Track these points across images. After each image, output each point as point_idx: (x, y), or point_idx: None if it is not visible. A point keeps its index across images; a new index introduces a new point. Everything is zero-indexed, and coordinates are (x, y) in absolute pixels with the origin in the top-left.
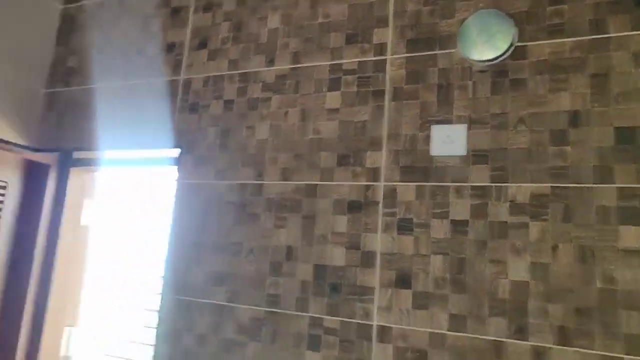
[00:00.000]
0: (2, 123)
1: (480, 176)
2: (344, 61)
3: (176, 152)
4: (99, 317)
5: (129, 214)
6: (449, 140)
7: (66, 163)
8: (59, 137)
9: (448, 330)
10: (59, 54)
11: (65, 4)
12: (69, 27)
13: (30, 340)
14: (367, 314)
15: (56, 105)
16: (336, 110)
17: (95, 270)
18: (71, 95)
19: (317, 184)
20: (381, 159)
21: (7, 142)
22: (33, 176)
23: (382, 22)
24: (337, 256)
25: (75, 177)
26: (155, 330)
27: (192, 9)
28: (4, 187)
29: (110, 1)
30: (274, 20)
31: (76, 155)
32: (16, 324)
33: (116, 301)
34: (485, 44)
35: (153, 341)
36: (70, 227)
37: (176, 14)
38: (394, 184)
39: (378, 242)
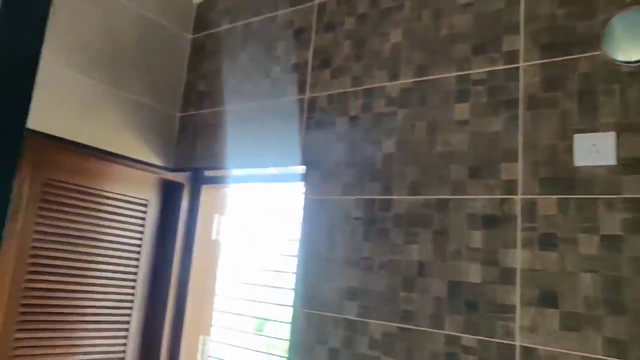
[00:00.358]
0: (144, 146)
1: (634, 187)
2: (472, 72)
3: (303, 168)
4: (230, 327)
5: (257, 228)
6: (594, 150)
7: (198, 181)
8: (192, 157)
9: (605, 356)
10: (190, 79)
11: (194, 33)
12: (199, 54)
13: (171, 348)
14: (508, 334)
15: (189, 128)
16: (466, 122)
17: (226, 283)
18: (202, 118)
19: (448, 198)
20: (517, 171)
21: (149, 164)
22: (169, 194)
23: (512, 29)
24: (473, 272)
25: (206, 194)
26: (287, 342)
27: (314, 30)
28: (145, 205)
29: (236, 27)
30: (396, 35)
31: (207, 173)
32: (159, 331)
33: (246, 312)
34: (636, 43)
35: (283, 353)
36: (202, 242)
37: (299, 36)
38: (533, 197)
39: (518, 258)
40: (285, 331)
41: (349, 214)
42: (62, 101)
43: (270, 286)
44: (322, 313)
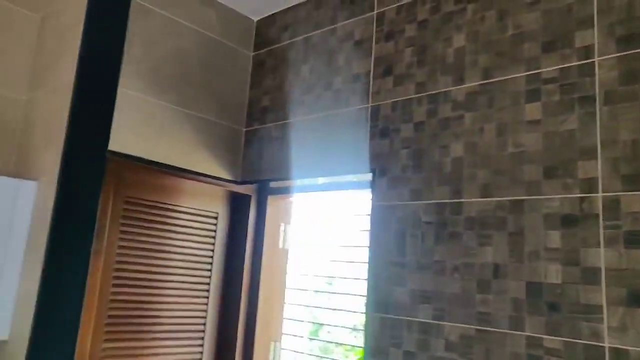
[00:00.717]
0: (213, 161)
1: None
2: (543, 70)
3: (369, 176)
4: (299, 333)
5: (323, 236)
6: None
7: (264, 192)
8: (258, 170)
9: None
10: (253, 95)
11: (255, 50)
12: (260, 70)
13: (244, 354)
14: (595, 335)
15: (254, 141)
16: (537, 121)
17: (295, 290)
18: (267, 132)
19: (523, 199)
20: (596, 168)
21: (218, 178)
22: (237, 206)
23: (585, 24)
24: (552, 273)
25: (272, 204)
26: (363, 347)
27: (374, 40)
28: (216, 218)
29: (297, 42)
30: (459, 40)
31: (273, 184)
32: (232, 338)
33: (316, 319)
34: None
35: (356, 357)
36: (270, 251)
37: (359, 46)
38: (616, 194)
39: (601, 257)
40: (347, 336)
41: (419, 218)
42: (138, 123)
43: (336, 293)
44: (395, 317)
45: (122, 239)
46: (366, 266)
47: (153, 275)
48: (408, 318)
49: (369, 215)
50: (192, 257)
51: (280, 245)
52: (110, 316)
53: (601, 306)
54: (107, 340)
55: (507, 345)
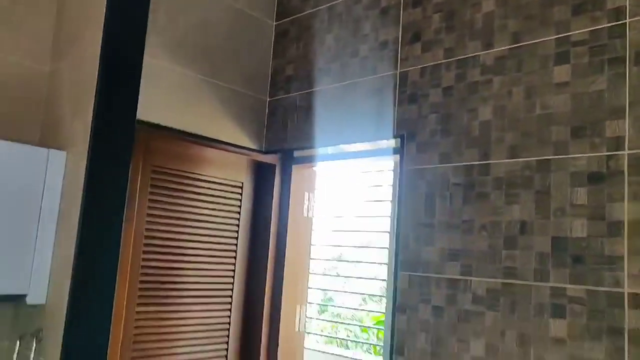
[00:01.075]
0: (238, 131)
1: None
2: (573, 32)
3: (396, 141)
4: (324, 297)
5: (348, 203)
6: None
7: (289, 161)
8: (282, 139)
9: None
10: (276, 65)
11: (277, 20)
12: (284, 40)
13: (271, 317)
14: (616, 282)
15: (278, 111)
16: (566, 83)
17: (319, 256)
18: (291, 101)
19: (550, 159)
20: (624, 127)
21: (243, 147)
22: (262, 176)
23: None
24: (578, 227)
25: (296, 173)
26: (391, 304)
27: (401, 6)
28: (241, 187)
29: (320, 11)
30: (488, 4)
31: (297, 154)
32: (259, 303)
33: (339, 283)
34: None
35: (379, 318)
36: (294, 219)
37: (385, 14)
38: None
39: (625, 211)
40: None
41: (448, 180)
42: (164, 92)
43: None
44: (424, 275)
45: (150, 207)
46: (388, 233)
47: (181, 243)
48: (436, 275)
49: (391, 184)
50: (218, 226)
51: (305, 214)
52: (142, 282)
53: (622, 256)
54: (140, 304)
55: (532, 296)
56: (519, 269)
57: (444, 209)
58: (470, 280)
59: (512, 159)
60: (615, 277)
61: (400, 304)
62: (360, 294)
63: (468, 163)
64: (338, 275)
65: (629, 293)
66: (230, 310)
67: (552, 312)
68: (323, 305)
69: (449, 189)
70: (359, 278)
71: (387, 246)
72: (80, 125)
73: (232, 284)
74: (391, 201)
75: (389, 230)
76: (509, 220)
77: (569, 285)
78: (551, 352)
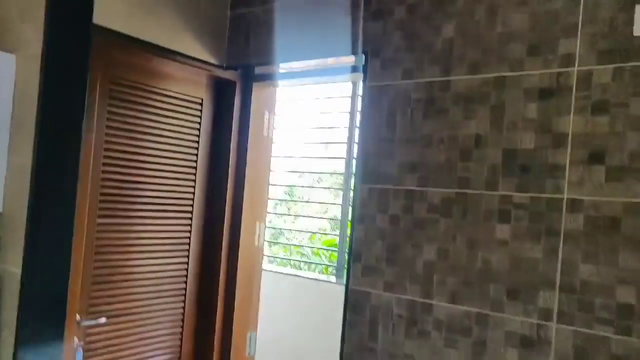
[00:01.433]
0: (198, 44)
1: None
2: None
3: (360, 59)
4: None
5: (307, 123)
6: None
7: (249, 79)
8: (243, 55)
9: None
10: None
11: None
12: None
13: (231, 232)
14: (557, 189)
15: (240, 25)
16: (524, 2)
17: (278, 174)
18: (253, 15)
19: (505, 76)
20: (576, 45)
21: (202, 61)
22: (222, 93)
23: None
24: (527, 140)
25: (257, 92)
26: (350, 215)
27: None
28: (200, 104)
29: None
30: None
31: (258, 71)
32: (219, 218)
33: (299, 198)
34: None
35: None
36: (254, 138)
37: None
38: (590, 67)
39: (570, 124)
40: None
41: (409, 96)
42: None
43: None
44: (383, 186)
45: (110, 120)
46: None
47: (141, 157)
48: (395, 187)
49: (350, 97)
50: (178, 142)
51: (265, 134)
52: (102, 194)
53: (565, 165)
54: (101, 216)
55: (482, 204)
56: (472, 180)
57: (404, 124)
58: (427, 191)
59: (472, 75)
60: (556, 185)
61: (359, 214)
62: (313, 216)
63: (429, 79)
64: (293, 200)
65: (567, 198)
66: (190, 225)
67: (498, 218)
68: (277, 228)
69: (410, 104)
70: (313, 202)
71: (345, 166)
72: (30, 26)
73: (193, 199)
74: (349, 116)
75: (344, 155)
76: (466, 134)
77: (515, 193)
78: (496, 253)
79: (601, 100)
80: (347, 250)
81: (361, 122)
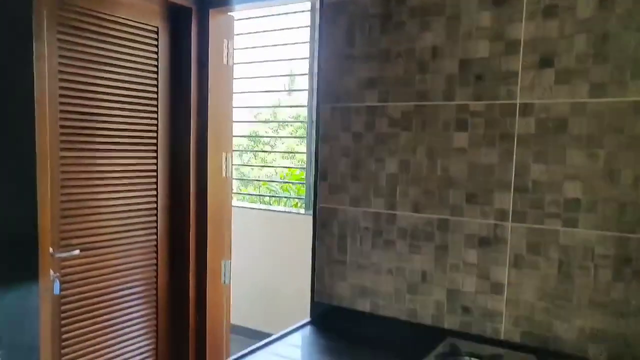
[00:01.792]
0: None
1: None
2: None
3: None
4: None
5: (266, 50)
6: None
7: (204, 5)
8: None
9: (589, 98)
10: None
11: None
12: None
13: (197, 163)
14: (510, 95)
15: None
16: None
17: (241, 103)
18: None
19: None
20: None
21: None
22: (178, 20)
23: None
24: (481, 49)
25: (214, 20)
26: (315, 135)
27: None
28: (156, 32)
29: None
30: None
31: None
32: (185, 150)
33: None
34: None
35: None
36: (214, 67)
37: None
38: None
39: (522, 30)
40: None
41: (367, 11)
42: None
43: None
44: (344, 105)
45: (62, 48)
46: (307, 77)
47: (100, 88)
48: (356, 104)
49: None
50: (136, 72)
51: (225, 62)
52: (62, 126)
53: (517, 72)
54: (63, 149)
55: (440, 115)
56: (430, 91)
57: (363, 40)
58: (387, 106)
59: None
60: (509, 91)
61: (323, 134)
62: (281, 152)
63: None
64: (259, 151)
65: (520, 103)
66: (156, 157)
67: (456, 127)
68: (244, 166)
69: (368, 20)
70: (281, 138)
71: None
72: None
73: (157, 131)
74: (309, 46)
75: (306, 71)
76: (422, 47)
77: (471, 102)
78: (454, 161)
79: (550, 5)
80: (313, 170)
81: (320, 41)
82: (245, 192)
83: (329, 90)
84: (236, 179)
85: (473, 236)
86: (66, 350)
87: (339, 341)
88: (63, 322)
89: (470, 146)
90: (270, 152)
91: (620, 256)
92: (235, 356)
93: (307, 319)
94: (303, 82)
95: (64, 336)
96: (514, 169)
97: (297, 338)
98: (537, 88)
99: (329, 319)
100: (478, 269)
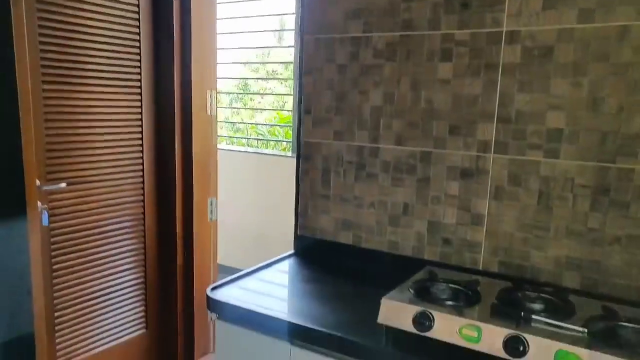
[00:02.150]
0: None
1: None
2: None
3: None
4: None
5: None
6: None
7: None
8: None
9: (577, 24)
10: None
11: None
12: None
13: (183, 103)
14: (497, 22)
15: None
16: None
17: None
18: None
19: None
20: None
21: None
22: None
23: None
24: None
25: None
26: (298, 67)
27: None
28: (137, 5)
29: None
30: None
31: None
32: (169, 90)
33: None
34: None
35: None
36: (198, 3)
37: None
38: None
39: None
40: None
41: None
42: None
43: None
44: (328, 35)
45: (41, 18)
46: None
47: (79, 20)
48: (340, 35)
49: None
50: (117, 4)
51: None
52: (43, 58)
53: None
54: (45, 82)
55: (425, 45)
56: (415, 20)
57: None
58: (372, 36)
59: None
60: (496, 18)
61: (307, 67)
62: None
63: None
64: (248, 93)
65: (506, 31)
66: (140, 94)
67: (441, 57)
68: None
69: None
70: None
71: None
72: None
73: (140, 66)
74: None
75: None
76: None
77: (456, 31)
78: (438, 92)
79: None
80: (298, 103)
81: None
82: (234, 136)
83: (313, 20)
84: (222, 121)
85: (455, 168)
86: (57, 280)
87: (322, 272)
88: (53, 253)
89: (454, 77)
90: (262, 94)
91: (599, 186)
92: (222, 281)
93: (291, 251)
94: (290, 39)
95: (55, 267)
96: (497, 100)
97: (283, 266)
98: (524, 14)
99: (312, 252)
100: (459, 200)
